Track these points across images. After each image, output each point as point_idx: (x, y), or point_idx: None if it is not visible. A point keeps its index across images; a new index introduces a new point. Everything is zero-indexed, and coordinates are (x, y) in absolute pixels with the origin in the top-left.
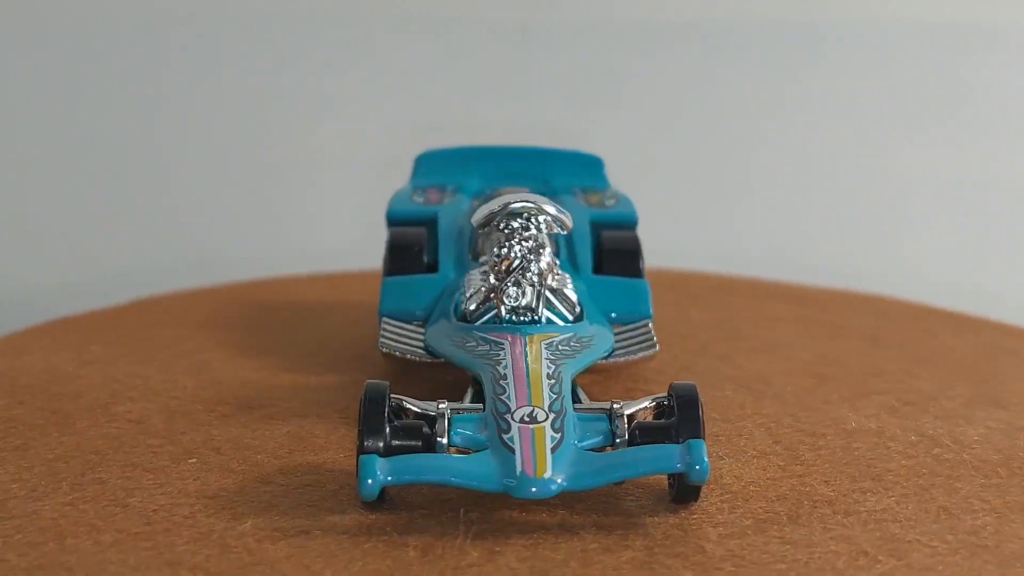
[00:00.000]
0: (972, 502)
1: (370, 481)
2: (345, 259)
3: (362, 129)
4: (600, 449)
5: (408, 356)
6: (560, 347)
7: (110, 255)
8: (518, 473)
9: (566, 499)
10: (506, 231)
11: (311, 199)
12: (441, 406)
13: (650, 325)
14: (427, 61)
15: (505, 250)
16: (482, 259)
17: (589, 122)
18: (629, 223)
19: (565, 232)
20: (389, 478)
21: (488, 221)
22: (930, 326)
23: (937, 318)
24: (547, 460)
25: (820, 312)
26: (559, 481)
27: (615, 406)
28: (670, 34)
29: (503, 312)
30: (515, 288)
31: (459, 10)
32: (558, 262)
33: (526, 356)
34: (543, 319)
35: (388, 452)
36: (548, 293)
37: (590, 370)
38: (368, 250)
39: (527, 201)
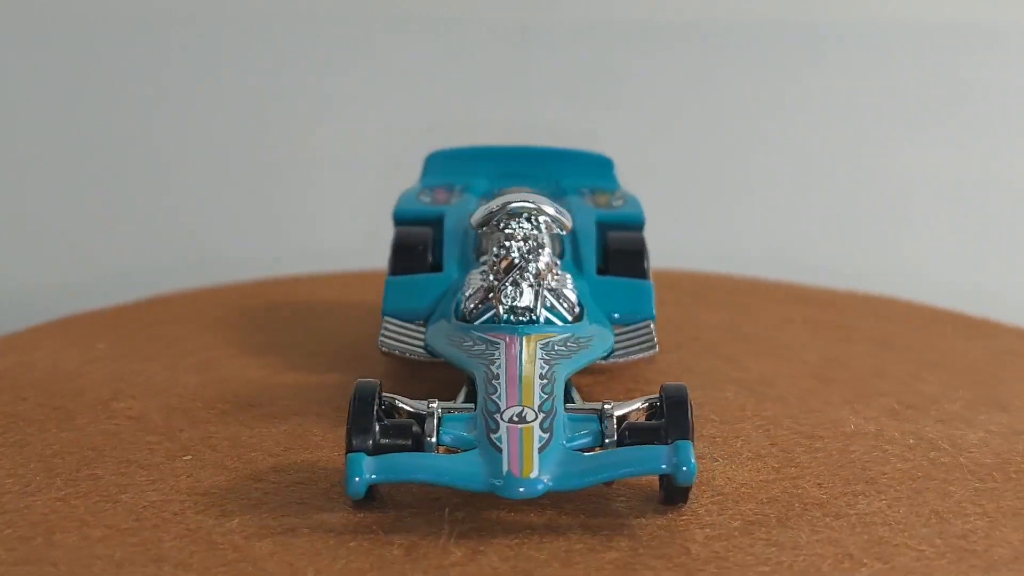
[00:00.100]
0: (964, 506)
1: (357, 479)
2: (346, 259)
3: (362, 129)
4: (589, 450)
5: (407, 355)
6: (556, 347)
7: (112, 255)
8: (505, 473)
9: (554, 499)
10: (505, 231)
11: (312, 199)
12: (432, 405)
13: (651, 326)
14: (427, 61)
15: (504, 250)
16: (482, 259)
17: (589, 122)
18: (636, 224)
19: (564, 232)
20: (376, 477)
21: (487, 221)
22: (941, 329)
23: (949, 321)
24: (534, 460)
25: (829, 314)
26: (546, 481)
27: (606, 407)
28: (670, 34)
29: (501, 312)
30: (513, 288)
31: (459, 10)
32: (558, 262)
33: (520, 356)
34: (542, 319)
35: (377, 451)
36: (547, 293)
37: (592, 370)
38: (369, 250)
39: (526, 201)
